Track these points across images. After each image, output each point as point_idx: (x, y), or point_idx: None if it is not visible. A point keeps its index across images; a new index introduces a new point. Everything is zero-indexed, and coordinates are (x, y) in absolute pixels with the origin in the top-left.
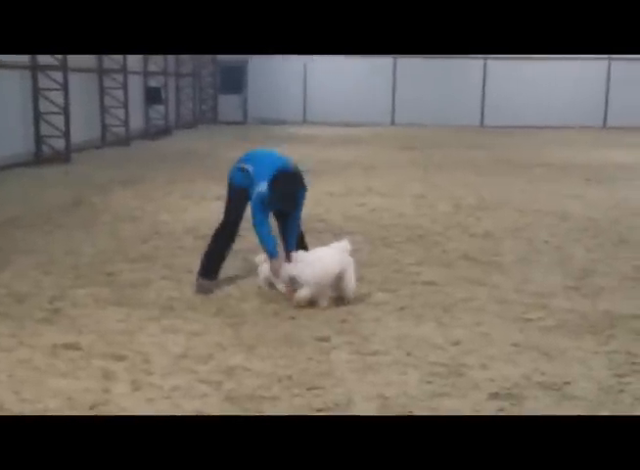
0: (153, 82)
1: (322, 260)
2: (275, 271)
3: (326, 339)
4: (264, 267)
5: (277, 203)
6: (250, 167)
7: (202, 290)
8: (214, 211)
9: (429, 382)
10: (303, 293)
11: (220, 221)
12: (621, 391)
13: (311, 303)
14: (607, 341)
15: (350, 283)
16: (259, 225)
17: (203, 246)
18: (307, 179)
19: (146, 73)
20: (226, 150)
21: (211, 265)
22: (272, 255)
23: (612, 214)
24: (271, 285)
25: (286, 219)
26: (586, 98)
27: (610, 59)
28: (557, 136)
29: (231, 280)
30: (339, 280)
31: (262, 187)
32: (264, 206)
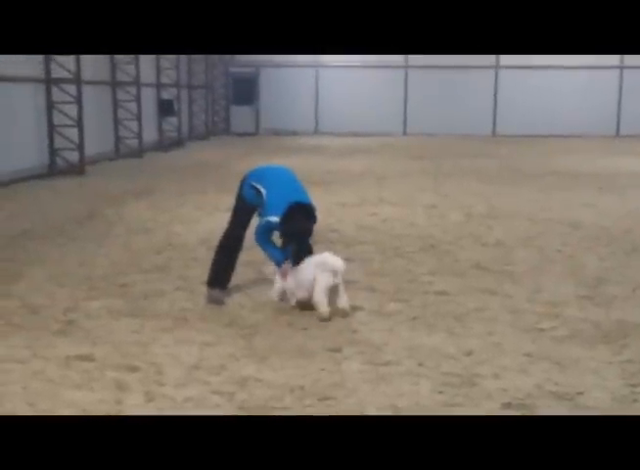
0: (165, 94)
1: (301, 266)
2: (284, 275)
3: (338, 349)
4: (278, 280)
5: (289, 238)
6: (263, 190)
7: (212, 300)
8: (227, 222)
9: (441, 392)
10: (299, 295)
11: (224, 231)
12: (635, 400)
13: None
14: (620, 350)
15: (316, 295)
16: (263, 243)
17: None
18: (320, 191)
19: (159, 86)
20: (238, 161)
21: (219, 275)
22: (279, 263)
23: (624, 223)
24: (284, 298)
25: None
26: (598, 107)
27: (622, 67)
28: (569, 145)
29: (243, 291)
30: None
31: (274, 219)
32: (271, 232)
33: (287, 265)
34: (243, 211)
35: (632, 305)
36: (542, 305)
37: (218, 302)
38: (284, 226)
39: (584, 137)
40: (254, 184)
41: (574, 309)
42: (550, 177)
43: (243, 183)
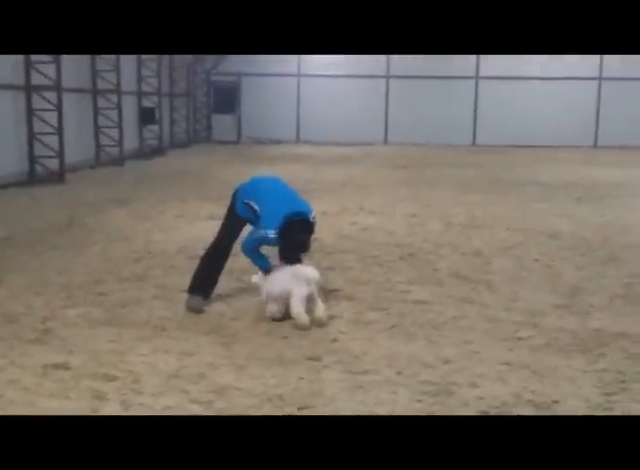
0: (147, 102)
1: (273, 280)
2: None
3: (317, 358)
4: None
5: (288, 251)
6: (256, 207)
7: (191, 308)
8: (207, 231)
9: (419, 401)
10: (272, 310)
11: (213, 240)
12: (610, 409)
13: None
14: (596, 359)
15: (294, 307)
16: (252, 254)
17: (195, 265)
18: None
19: (140, 94)
20: (219, 169)
21: (201, 283)
22: (266, 271)
23: (601, 233)
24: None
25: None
26: (577, 117)
27: (600, 79)
28: (548, 155)
29: (223, 299)
30: (285, 300)
31: (269, 233)
32: (262, 244)
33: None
34: (234, 222)
35: (609, 315)
36: (519, 313)
37: (197, 310)
38: (282, 241)
39: (563, 148)
40: (247, 201)
41: (551, 318)
42: (529, 187)
43: (235, 198)
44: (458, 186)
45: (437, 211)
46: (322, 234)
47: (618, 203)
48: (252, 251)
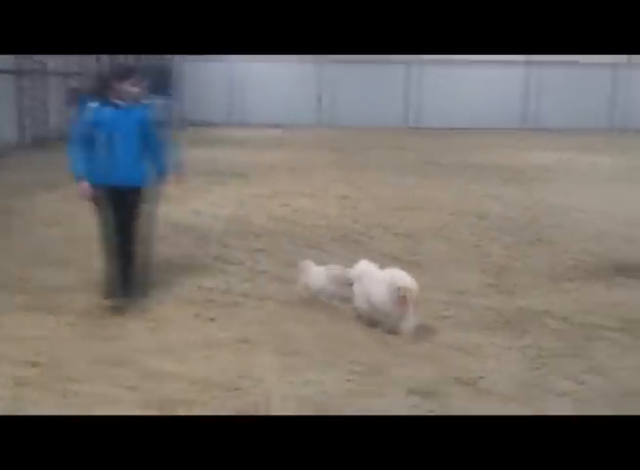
0: (74, 83)
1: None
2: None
3: (246, 340)
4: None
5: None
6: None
7: (115, 309)
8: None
9: (348, 380)
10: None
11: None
12: (534, 384)
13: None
14: (520, 336)
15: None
16: (75, 145)
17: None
18: (233, 183)
19: (67, 75)
20: None
21: (117, 286)
22: (78, 177)
23: (528, 214)
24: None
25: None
26: (508, 101)
27: (528, 63)
28: (479, 138)
29: (151, 284)
30: None
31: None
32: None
33: (85, 185)
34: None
35: (533, 293)
36: (448, 293)
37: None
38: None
39: (495, 131)
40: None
41: (479, 297)
42: (460, 170)
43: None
44: (391, 169)
45: (370, 193)
46: (253, 216)
47: (546, 185)
48: (77, 144)
